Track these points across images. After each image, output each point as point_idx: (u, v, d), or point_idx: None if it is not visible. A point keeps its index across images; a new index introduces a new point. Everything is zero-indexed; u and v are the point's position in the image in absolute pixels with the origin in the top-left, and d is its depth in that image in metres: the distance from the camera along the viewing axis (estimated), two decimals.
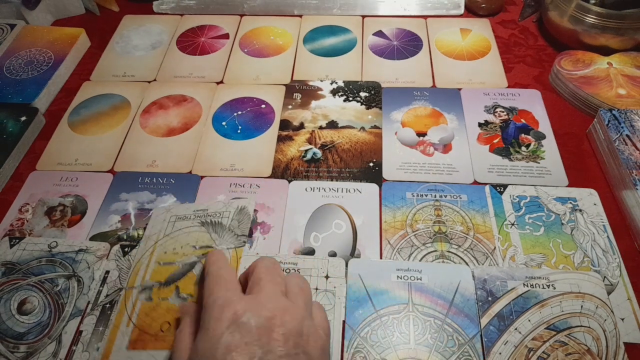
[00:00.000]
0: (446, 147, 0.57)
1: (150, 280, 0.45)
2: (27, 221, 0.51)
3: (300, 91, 0.65)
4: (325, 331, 0.36)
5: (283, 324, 0.33)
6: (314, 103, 0.63)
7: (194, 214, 0.49)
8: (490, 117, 0.60)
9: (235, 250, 0.46)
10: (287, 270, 0.45)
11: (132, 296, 0.44)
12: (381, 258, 0.47)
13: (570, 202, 0.50)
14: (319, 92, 0.64)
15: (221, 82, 0.67)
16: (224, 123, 0.61)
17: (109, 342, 0.41)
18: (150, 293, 0.44)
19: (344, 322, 0.42)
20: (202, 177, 0.55)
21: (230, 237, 0.47)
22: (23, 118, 0.60)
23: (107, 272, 0.46)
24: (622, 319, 0.42)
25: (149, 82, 0.67)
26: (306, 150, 0.57)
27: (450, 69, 0.67)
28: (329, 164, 0.56)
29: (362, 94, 0.64)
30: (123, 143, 0.59)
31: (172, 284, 0.44)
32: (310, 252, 0.48)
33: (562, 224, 0.49)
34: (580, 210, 0.50)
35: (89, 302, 0.44)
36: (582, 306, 0.42)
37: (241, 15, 0.78)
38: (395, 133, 0.59)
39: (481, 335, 0.41)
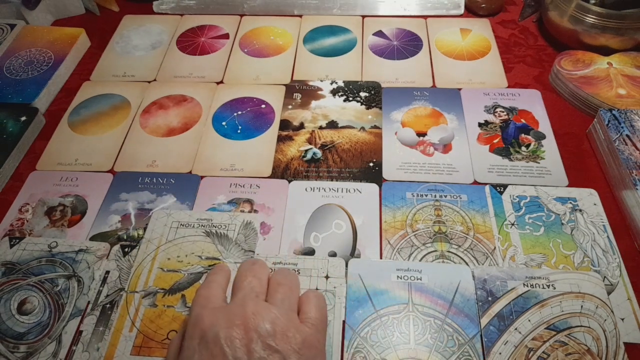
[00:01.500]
0: (446, 147, 0.57)
1: (154, 286, 0.45)
2: (27, 221, 0.51)
3: (300, 91, 0.65)
4: (313, 322, 0.36)
5: (251, 329, 0.33)
6: (314, 103, 0.63)
7: (198, 222, 0.49)
8: (490, 117, 0.60)
9: None
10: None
11: (135, 300, 0.44)
12: (381, 258, 0.47)
13: (570, 202, 0.50)
14: (319, 92, 0.64)
15: (221, 82, 0.67)
16: (224, 123, 0.61)
17: (111, 345, 0.41)
18: (154, 299, 0.44)
19: (344, 322, 0.42)
20: (202, 177, 0.55)
21: (237, 251, 0.47)
22: (23, 118, 0.60)
23: (107, 272, 0.46)
24: (622, 319, 0.42)
25: (149, 82, 0.67)
26: (306, 150, 0.57)
27: (450, 69, 0.67)
28: (329, 164, 0.56)
29: (362, 94, 0.64)
30: (123, 143, 0.59)
31: (178, 292, 0.45)
32: (310, 252, 0.48)
33: (562, 224, 0.49)
34: (580, 210, 0.50)
35: (89, 302, 0.44)
36: (582, 306, 0.42)
37: (241, 15, 0.78)
38: (395, 133, 0.59)
39: (481, 335, 0.41)
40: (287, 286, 0.38)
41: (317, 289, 0.44)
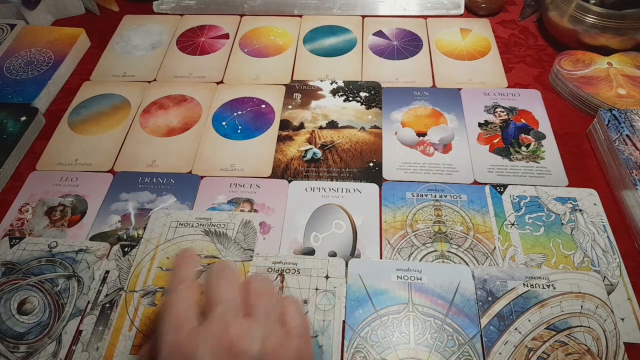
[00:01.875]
0: (446, 147, 0.57)
1: (153, 285, 0.45)
2: (27, 221, 0.51)
3: (300, 91, 0.65)
4: (298, 331, 0.32)
5: (238, 354, 0.29)
6: (314, 103, 0.63)
7: (197, 222, 0.49)
8: (490, 117, 0.60)
9: (242, 264, 0.46)
10: (287, 271, 0.45)
11: (134, 300, 0.44)
12: (381, 258, 0.47)
13: (570, 202, 0.50)
14: (319, 92, 0.64)
15: (221, 82, 0.67)
16: (224, 123, 0.61)
17: (111, 345, 0.41)
18: (153, 298, 0.44)
19: (344, 322, 0.42)
20: (202, 177, 0.55)
21: (236, 250, 0.47)
22: (23, 118, 0.60)
23: (107, 272, 0.46)
24: (622, 319, 0.42)
25: (149, 82, 0.67)
26: (306, 150, 0.57)
27: (450, 69, 0.67)
28: (329, 164, 0.56)
29: (362, 94, 0.64)
30: (123, 143, 0.59)
31: None
32: (310, 252, 0.48)
33: (562, 224, 0.49)
34: (580, 210, 0.50)
35: (88, 302, 0.44)
36: (582, 306, 0.42)
37: (241, 15, 0.78)
38: (395, 133, 0.59)
39: (481, 335, 0.41)
40: (268, 295, 0.33)
41: (317, 289, 0.44)
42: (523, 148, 0.56)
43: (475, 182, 0.53)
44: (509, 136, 0.57)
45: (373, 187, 0.53)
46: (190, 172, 0.56)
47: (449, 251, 0.47)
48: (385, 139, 0.58)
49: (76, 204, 0.53)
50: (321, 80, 0.66)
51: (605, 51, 0.64)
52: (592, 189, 0.51)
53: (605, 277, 0.45)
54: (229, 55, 0.71)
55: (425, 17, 0.76)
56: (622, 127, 0.53)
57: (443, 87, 0.64)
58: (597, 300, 0.42)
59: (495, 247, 0.47)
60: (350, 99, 0.63)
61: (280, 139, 0.59)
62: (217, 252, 0.47)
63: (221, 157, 0.57)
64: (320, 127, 0.60)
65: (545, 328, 0.41)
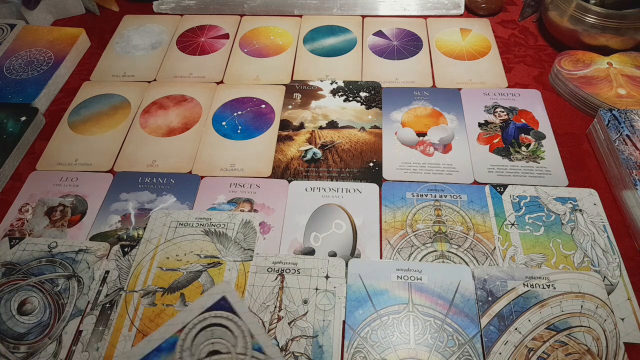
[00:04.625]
0: (446, 147, 0.57)
1: (153, 285, 0.45)
2: (27, 221, 0.51)
3: (300, 91, 0.65)
4: None
5: None
6: (314, 103, 0.63)
7: (197, 222, 0.49)
8: (490, 117, 0.60)
9: (242, 264, 0.46)
10: (287, 271, 0.45)
11: (134, 300, 0.44)
12: (381, 258, 0.47)
13: (570, 202, 0.50)
14: (319, 92, 0.64)
15: (221, 82, 0.67)
16: (224, 123, 0.61)
17: (111, 345, 0.41)
18: (153, 298, 0.44)
19: (344, 322, 0.42)
20: (202, 177, 0.55)
21: (236, 250, 0.47)
22: (23, 118, 0.60)
23: (107, 272, 0.46)
24: (622, 319, 0.42)
25: (149, 82, 0.67)
26: (306, 150, 0.57)
27: (450, 69, 0.67)
28: (329, 164, 0.56)
29: (362, 94, 0.64)
30: (123, 143, 0.59)
31: (177, 291, 0.45)
32: (310, 252, 0.48)
33: (562, 224, 0.49)
34: (580, 210, 0.50)
35: (88, 302, 0.44)
36: (582, 306, 0.42)
37: (241, 15, 0.78)
38: (395, 133, 0.59)
39: (481, 335, 0.41)
40: None
41: (317, 289, 0.44)
42: (523, 148, 0.56)
43: (475, 182, 0.53)
44: (509, 136, 0.58)
45: (373, 187, 0.53)
46: (190, 172, 0.56)
47: (449, 251, 0.47)
48: (385, 139, 0.58)
49: (76, 204, 0.53)
50: (321, 80, 0.66)
51: (605, 51, 0.64)
52: (592, 189, 0.51)
53: (605, 277, 0.45)
54: (229, 55, 0.71)
55: (425, 17, 0.76)
56: (622, 127, 0.53)
57: (443, 87, 0.64)
58: (597, 300, 0.42)
59: (495, 247, 0.47)
60: (350, 99, 0.63)
61: (280, 139, 0.59)
62: (217, 252, 0.47)
63: (221, 157, 0.57)
64: (320, 127, 0.60)
65: (546, 328, 0.41)
